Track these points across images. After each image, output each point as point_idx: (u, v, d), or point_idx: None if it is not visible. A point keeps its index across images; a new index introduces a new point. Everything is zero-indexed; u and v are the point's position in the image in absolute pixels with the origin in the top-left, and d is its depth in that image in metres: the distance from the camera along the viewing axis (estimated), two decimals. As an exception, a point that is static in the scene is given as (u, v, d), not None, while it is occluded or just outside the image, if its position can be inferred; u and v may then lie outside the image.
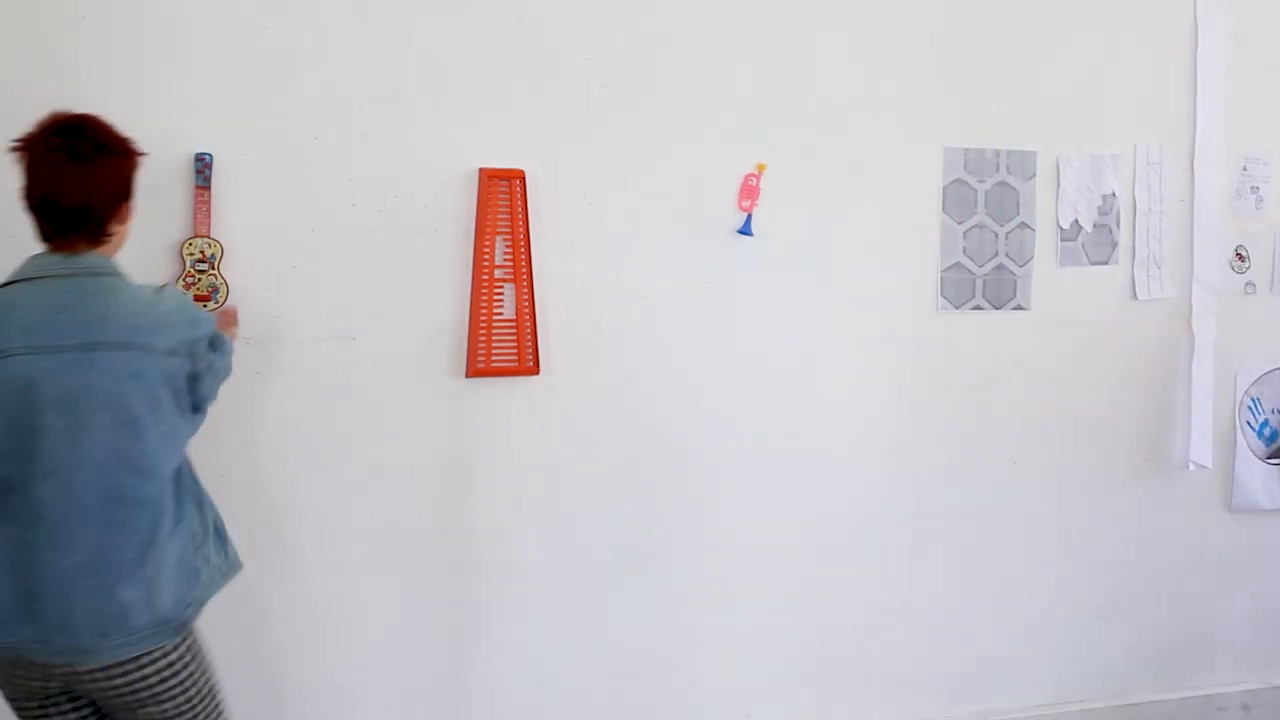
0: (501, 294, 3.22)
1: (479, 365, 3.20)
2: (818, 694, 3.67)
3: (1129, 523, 3.96)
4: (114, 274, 2.30)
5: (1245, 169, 4.02)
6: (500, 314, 3.22)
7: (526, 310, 3.23)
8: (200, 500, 2.44)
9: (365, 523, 3.16)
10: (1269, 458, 4.13)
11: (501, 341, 3.22)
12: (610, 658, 3.44)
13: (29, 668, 2.24)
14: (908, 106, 3.60)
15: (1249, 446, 4.10)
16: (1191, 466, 3.99)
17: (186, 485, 2.40)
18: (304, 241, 3.04)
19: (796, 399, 3.55)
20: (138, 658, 2.25)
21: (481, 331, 3.20)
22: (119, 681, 2.24)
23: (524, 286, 3.23)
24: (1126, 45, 3.84)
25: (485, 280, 3.19)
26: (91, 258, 2.27)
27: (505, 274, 3.22)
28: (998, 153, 3.72)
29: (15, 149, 2.27)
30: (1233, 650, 4.13)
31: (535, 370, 3.26)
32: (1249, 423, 4.10)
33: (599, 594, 3.40)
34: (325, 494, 3.09)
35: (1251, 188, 4.03)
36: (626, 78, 3.32)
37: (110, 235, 2.31)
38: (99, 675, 2.23)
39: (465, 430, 3.24)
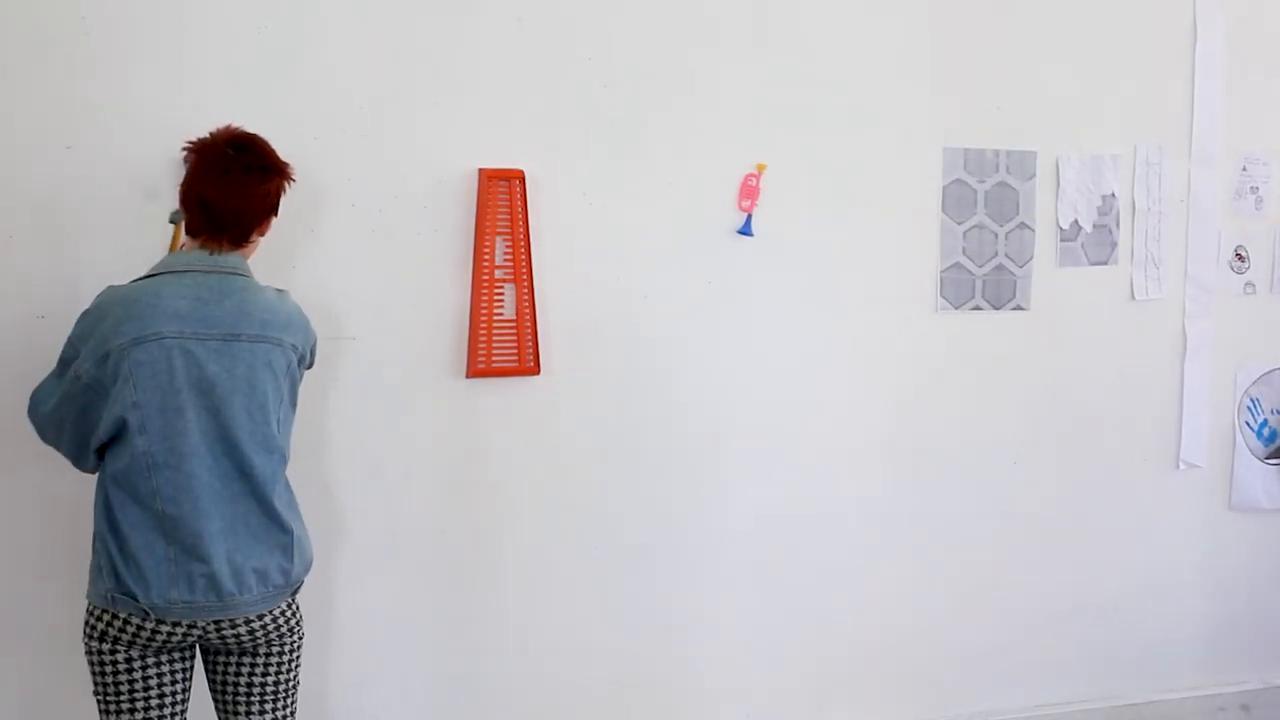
0: (501, 294, 3.22)
1: (479, 365, 3.20)
2: (818, 693, 3.67)
3: (1128, 522, 3.96)
4: (249, 275, 2.53)
5: (1245, 169, 4.02)
6: (500, 314, 3.22)
7: (526, 310, 3.23)
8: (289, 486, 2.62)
9: (365, 522, 3.16)
10: (1268, 458, 4.13)
11: (501, 341, 3.22)
12: (610, 657, 3.44)
13: (174, 625, 2.43)
14: (907, 106, 3.60)
15: (1248, 446, 4.10)
16: (1183, 466, 4.00)
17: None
18: (304, 241, 3.04)
19: (796, 398, 3.55)
20: (271, 611, 2.50)
21: (481, 331, 3.20)
22: (254, 626, 2.48)
23: (524, 286, 3.23)
24: (1126, 45, 3.83)
25: (485, 280, 3.19)
26: (232, 258, 2.50)
27: (505, 274, 3.22)
28: (997, 153, 3.72)
29: (188, 149, 2.51)
30: (1233, 650, 4.13)
31: (535, 370, 3.26)
32: (1248, 423, 4.10)
33: (599, 593, 3.40)
34: (325, 494, 3.08)
35: (1251, 188, 4.03)
36: (626, 78, 3.31)
37: (251, 241, 2.55)
38: (239, 625, 2.46)
39: (465, 430, 3.24)
